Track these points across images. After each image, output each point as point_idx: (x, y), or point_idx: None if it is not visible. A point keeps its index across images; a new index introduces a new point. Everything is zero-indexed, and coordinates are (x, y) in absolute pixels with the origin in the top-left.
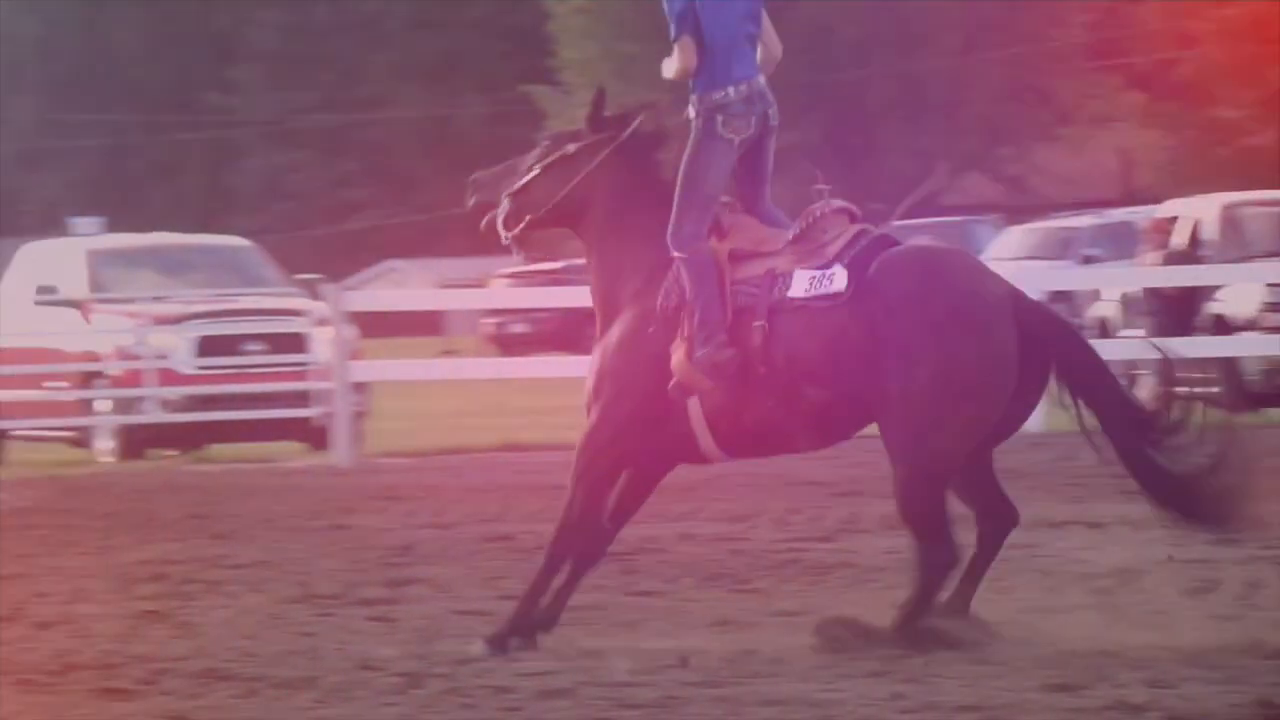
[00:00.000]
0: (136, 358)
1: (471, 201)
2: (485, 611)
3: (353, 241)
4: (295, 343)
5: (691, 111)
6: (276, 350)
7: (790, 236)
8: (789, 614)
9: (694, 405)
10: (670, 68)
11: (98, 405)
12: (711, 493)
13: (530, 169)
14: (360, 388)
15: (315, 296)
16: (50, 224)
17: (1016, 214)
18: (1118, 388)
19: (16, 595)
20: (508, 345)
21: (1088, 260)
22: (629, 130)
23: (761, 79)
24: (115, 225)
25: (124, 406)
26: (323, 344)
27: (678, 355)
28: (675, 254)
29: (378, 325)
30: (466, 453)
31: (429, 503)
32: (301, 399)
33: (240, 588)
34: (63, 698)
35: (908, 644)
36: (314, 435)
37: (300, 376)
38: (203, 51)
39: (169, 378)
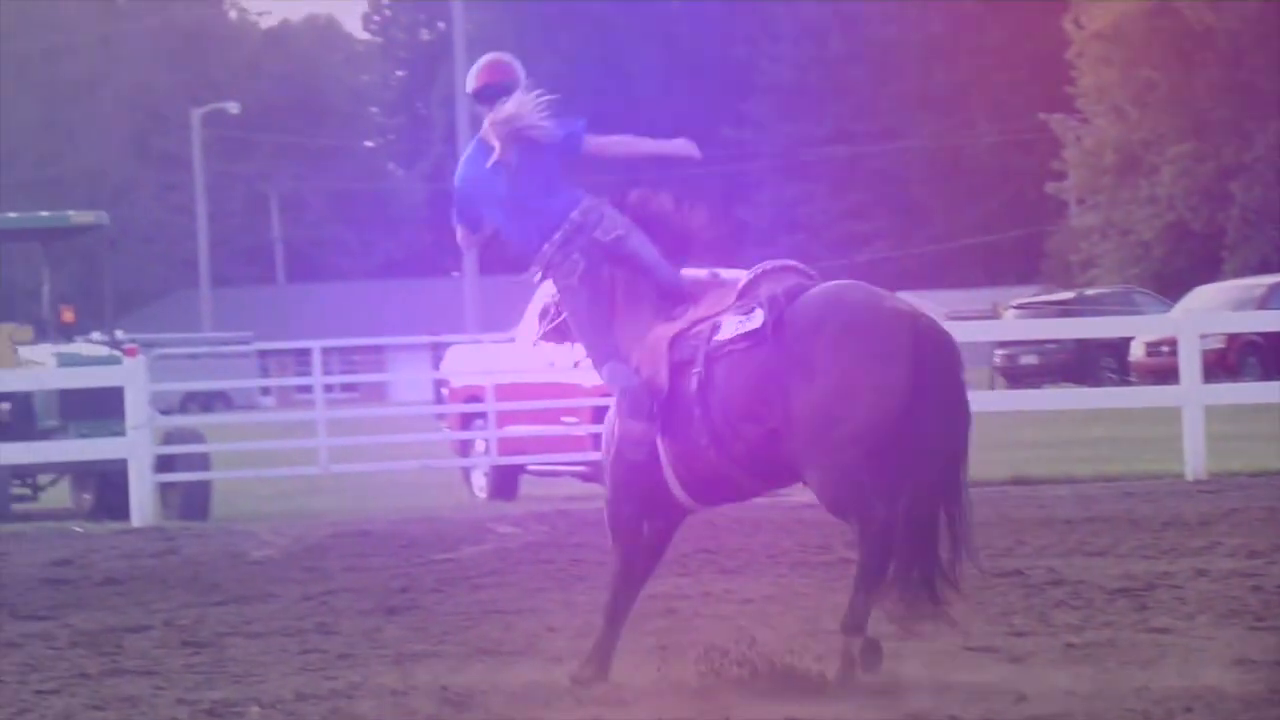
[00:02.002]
0: None
1: None
2: (995, 648)
3: (862, 273)
4: None
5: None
6: None
7: (736, 292)
8: None
9: (663, 456)
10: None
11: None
12: (1227, 528)
13: None
14: None
15: None
16: None
17: None
18: (958, 434)
19: (529, 629)
20: (1017, 377)
21: None
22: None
23: (581, 207)
24: None
25: None
26: None
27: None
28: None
29: None
30: (975, 486)
31: None
32: None
33: (750, 622)
34: None
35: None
36: None
37: None
38: (718, 86)
39: None
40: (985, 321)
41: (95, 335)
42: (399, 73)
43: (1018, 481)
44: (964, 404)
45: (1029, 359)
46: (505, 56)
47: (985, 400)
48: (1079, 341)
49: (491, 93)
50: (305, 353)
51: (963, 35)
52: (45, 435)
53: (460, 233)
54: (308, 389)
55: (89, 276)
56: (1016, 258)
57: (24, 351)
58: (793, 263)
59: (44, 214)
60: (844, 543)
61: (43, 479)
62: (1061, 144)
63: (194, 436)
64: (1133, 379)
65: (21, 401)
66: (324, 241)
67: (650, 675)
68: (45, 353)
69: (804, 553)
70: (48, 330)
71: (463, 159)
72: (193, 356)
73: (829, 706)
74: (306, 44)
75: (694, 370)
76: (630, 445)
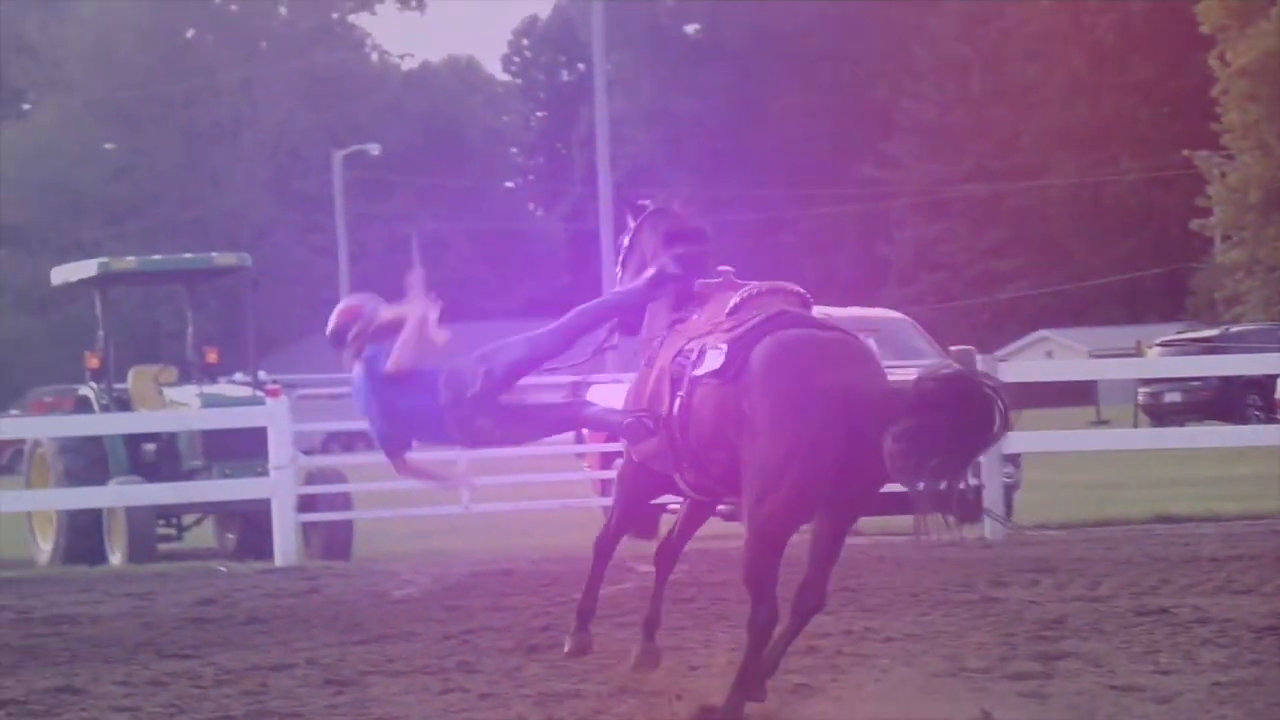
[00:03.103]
0: None
1: None
2: (1141, 686)
3: (1003, 311)
4: None
5: None
6: None
7: (725, 312)
8: None
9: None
10: None
11: None
12: None
13: None
14: (1012, 459)
15: (968, 366)
16: None
17: None
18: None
19: (670, 668)
20: (1160, 414)
21: None
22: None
23: (444, 382)
24: None
25: None
26: None
27: None
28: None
29: (1028, 395)
30: (1119, 524)
31: (1081, 575)
32: None
33: (891, 661)
34: None
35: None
36: (964, 508)
37: None
38: (858, 125)
39: None
40: (1129, 359)
41: (238, 376)
42: (539, 113)
43: (1162, 519)
44: (878, 477)
45: (1173, 396)
46: (355, 300)
47: (1129, 439)
48: (1224, 379)
49: (342, 335)
50: None
51: (1105, 72)
52: (189, 475)
53: (395, 465)
54: None
55: (232, 317)
56: (1159, 295)
57: (169, 392)
58: (784, 285)
59: (188, 256)
60: (987, 581)
61: (187, 519)
62: (1206, 180)
63: (336, 476)
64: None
65: (166, 442)
66: (464, 281)
67: (798, 717)
68: (189, 394)
69: (946, 591)
70: (192, 371)
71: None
72: (334, 397)
73: None
74: (447, 85)
75: (679, 393)
76: (652, 459)
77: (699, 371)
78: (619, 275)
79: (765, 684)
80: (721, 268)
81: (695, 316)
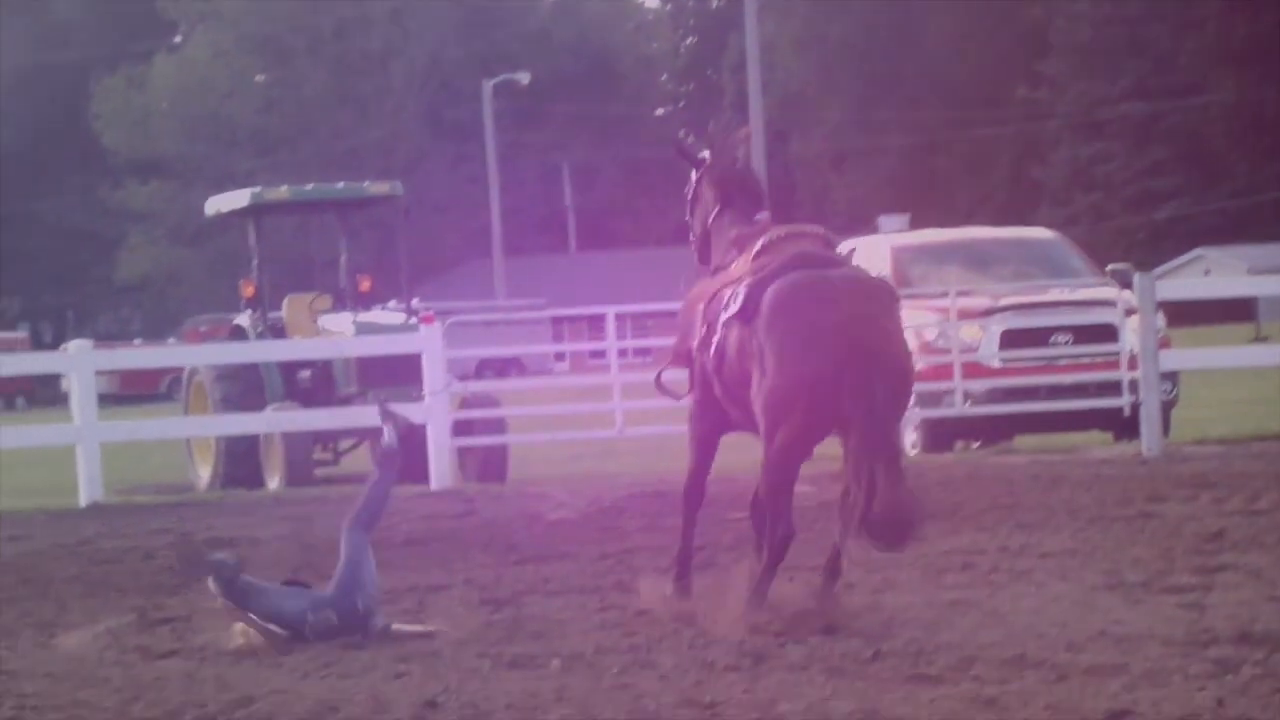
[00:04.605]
0: (943, 352)
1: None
2: None
3: (1160, 230)
4: (1104, 333)
5: None
6: (1084, 341)
7: (750, 257)
8: None
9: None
10: None
11: None
12: None
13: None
14: (1169, 376)
15: (1124, 286)
16: (858, 222)
17: None
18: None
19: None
20: None
21: None
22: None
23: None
24: (921, 221)
25: (929, 400)
26: (1131, 333)
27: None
28: None
29: (1187, 314)
30: (1278, 439)
31: (1239, 490)
32: (1109, 389)
33: (1048, 576)
34: (872, 684)
35: (758, 612)
36: (1120, 424)
37: (1108, 366)
38: (1013, 46)
39: (975, 370)
40: None
41: (392, 304)
42: (689, 39)
43: None
44: (887, 417)
45: None
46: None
47: None
48: None
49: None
50: (598, 318)
51: None
52: (345, 401)
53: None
54: (601, 354)
55: (385, 246)
56: None
57: (323, 320)
58: (806, 228)
59: (340, 185)
60: (1145, 497)
61: (343, 444)
62: None
63: (490, 401)
64: None
65: (322, 369)
66: (615, 209)
67: (954, 632)
68: (344, 321)
69: (1103, 507)
70: (346, 299)
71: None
72: (487, 324)
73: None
74: (597, 12)
75: (714, 336)
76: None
77: (725, 315)
78: (690, 223)
79: (836, 589)
80: (759, 215)
81: (734, 263)
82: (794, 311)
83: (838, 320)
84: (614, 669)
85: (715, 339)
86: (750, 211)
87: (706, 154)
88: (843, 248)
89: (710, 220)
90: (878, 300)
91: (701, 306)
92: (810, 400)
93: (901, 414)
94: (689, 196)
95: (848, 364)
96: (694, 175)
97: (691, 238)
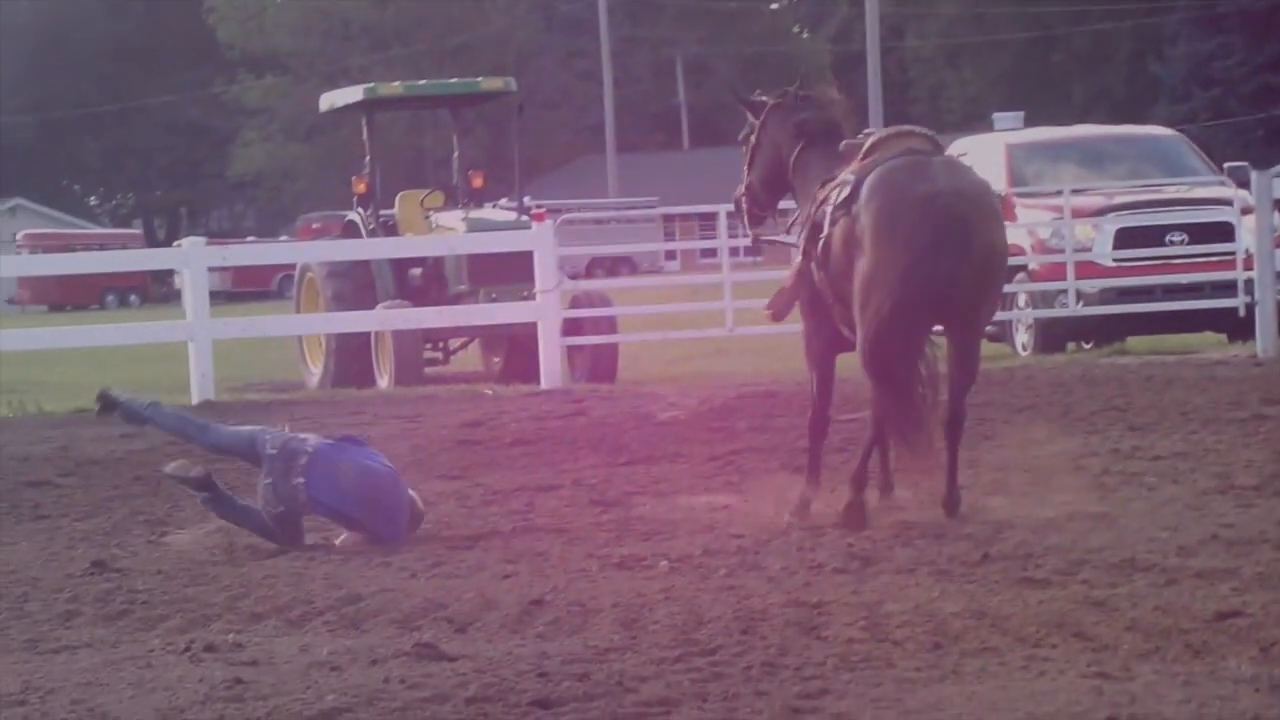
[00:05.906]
0: (1056, 251)
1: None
2: None
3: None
4: (1220, 232)
5: None
6: (1200, 240)
7: (859, 157)
8: None
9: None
10: None
11: (1018, 299)
12: None
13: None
14: None
15: (1241, 185)
16: (973, 119)
17: None
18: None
19: (933, 486)
20: None
21: None
22: (771, 104)
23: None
24: (1036, 119)
25: (1042, 300)
26: (1248, 233)
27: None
28: None
29: None
30: None
31: None
32: (1224, 289)
33: (1159, 479)
34: (981, 586)
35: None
36: (1235, 325)
37: (1224, 266)
38: None
39: (1088, 270)
40: None
41: (503, 201)
42: None
43: None
44: (975, 279)
45: None
46: None
47: None
48: None
49: None
50: (709, 217)
51: None
52: (456, 300)
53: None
54: (712, 253)
55: (497, 143)
56: None
57: (435, 217)
58: (911, 129)
59: (453, 80)
60: (1259, 399)
61: (454, 342)
62: None
63: (601, 300)
64: None
65: (433, 267)
66: (729, 106)
67: (1064, 535)
68: (455, 218)
69: (1215, 409)
70: (457, 196)
71: None
72: (598, 222)
73: None
74: None
75: (821, 235)
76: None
77: (830, 209)
78: (745, 174)
79: (956, 489)
80: (865, 131)
81: (841, 174)
82: (890, 187)
83: (929, 192)
84: (721, 570)
85: (822, 235)
86: (834, 145)
87: (766, 98)
88: (955, 148)
89: (794, 158)
90: (973, 183)
91: (811, 209)
92: (904, 272)
93: (995, 297)
94: (750, 142)
95: (944, 234)
96: (752, 119)
97: (740, 191)
